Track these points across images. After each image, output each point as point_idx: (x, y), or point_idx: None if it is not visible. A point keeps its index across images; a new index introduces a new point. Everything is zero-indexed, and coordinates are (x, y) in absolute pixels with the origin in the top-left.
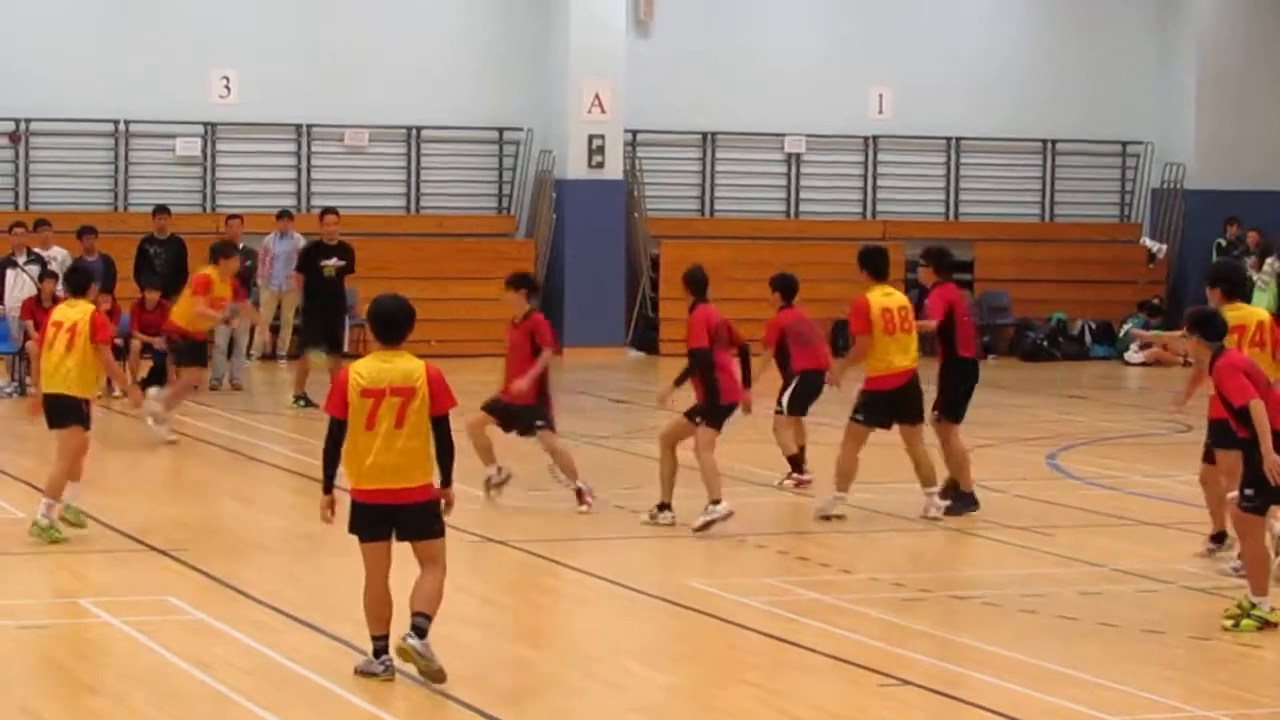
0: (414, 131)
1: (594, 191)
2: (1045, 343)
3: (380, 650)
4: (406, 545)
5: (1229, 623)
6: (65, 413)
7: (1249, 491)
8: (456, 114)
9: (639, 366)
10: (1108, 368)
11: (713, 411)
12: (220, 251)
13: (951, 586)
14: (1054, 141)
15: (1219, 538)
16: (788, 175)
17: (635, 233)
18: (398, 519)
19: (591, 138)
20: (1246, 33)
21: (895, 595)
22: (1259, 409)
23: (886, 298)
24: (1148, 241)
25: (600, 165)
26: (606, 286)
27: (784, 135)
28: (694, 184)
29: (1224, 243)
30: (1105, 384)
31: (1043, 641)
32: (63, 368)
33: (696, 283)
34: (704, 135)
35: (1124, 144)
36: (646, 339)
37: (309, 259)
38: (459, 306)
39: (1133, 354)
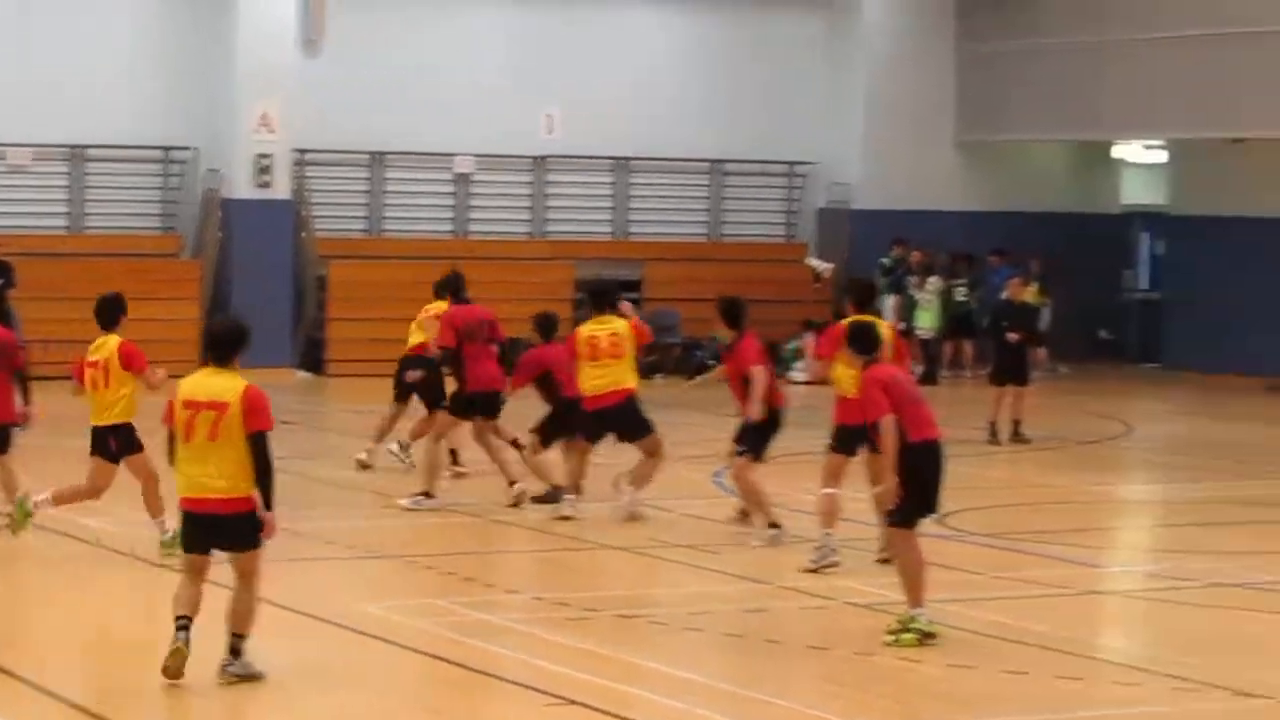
0: (78, 150)
1: (261, 211)
2: (712, 362)
3: (182, 628)
4: None
5: (890, 638)
6: None
7: (891, 507)
8: (121, 133)
9: (306, 387)
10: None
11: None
12: None
13: (618, 606)
14: (721, 161)
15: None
16: (456, 195)
17: (303, 253)
18: (215, 529)
19: (259, 157)
20: (913, 57)
21: (561, 615)
22: (888, 425)
23: (598, 326)
24: (814, 261)
25: (267, 185)
26: (274, 307)
27: (453, 155)
28: (363, 204)
29: (888, 262)
30: None
31: (710, 659)
32: None
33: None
34: (373, 155)
35: (791, 164)
36: (313, 359)
37: None
38: (130, 327)
39: (797, 373)
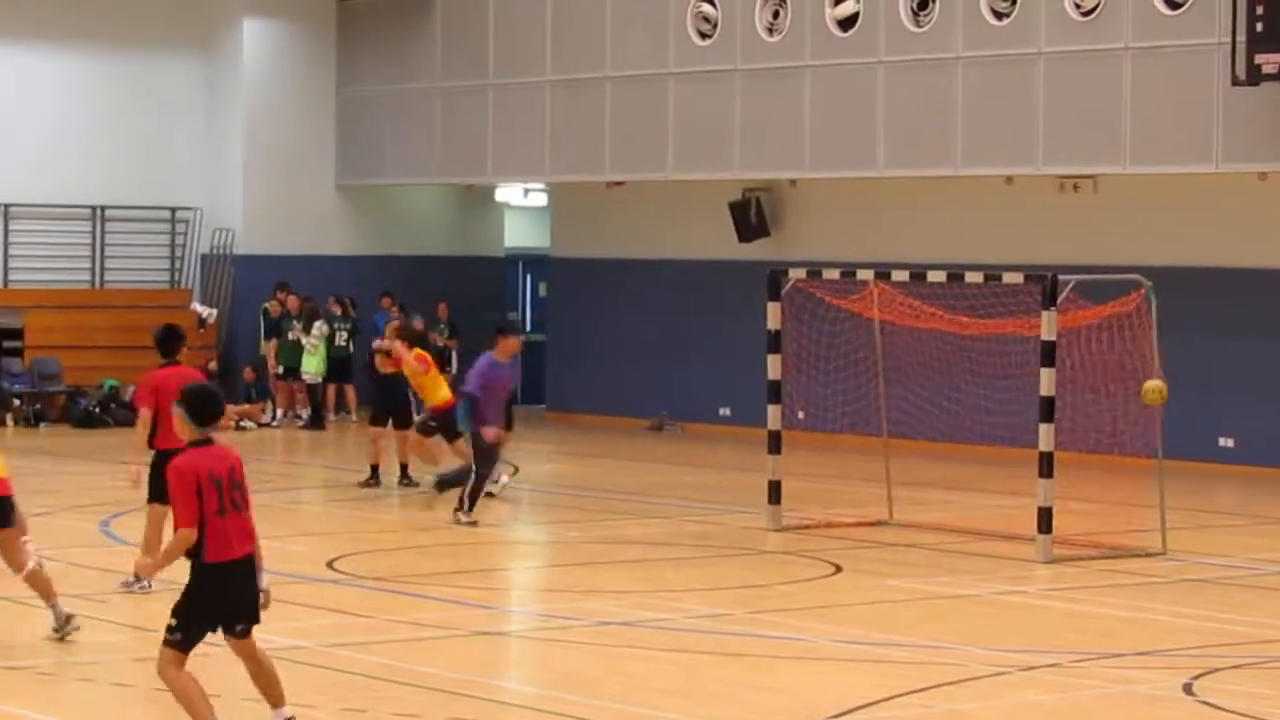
0: None
1: None
2: (98, 409)
3: None
4: None
5: None
6: None
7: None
8: None
9: None
10: None
11: None
12: None
13: (4, 657)
14: (105, 208)
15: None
16: None
17: None
18: None
19: None
20: (293, 101)
21: None
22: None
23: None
24: (198, 306)
25: None
26: None
27: None
28: None
29: (269, 307)
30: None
31: (104, 711)
32: None
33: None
34: None
35: (174, 210)
36: None
37: None
38: None
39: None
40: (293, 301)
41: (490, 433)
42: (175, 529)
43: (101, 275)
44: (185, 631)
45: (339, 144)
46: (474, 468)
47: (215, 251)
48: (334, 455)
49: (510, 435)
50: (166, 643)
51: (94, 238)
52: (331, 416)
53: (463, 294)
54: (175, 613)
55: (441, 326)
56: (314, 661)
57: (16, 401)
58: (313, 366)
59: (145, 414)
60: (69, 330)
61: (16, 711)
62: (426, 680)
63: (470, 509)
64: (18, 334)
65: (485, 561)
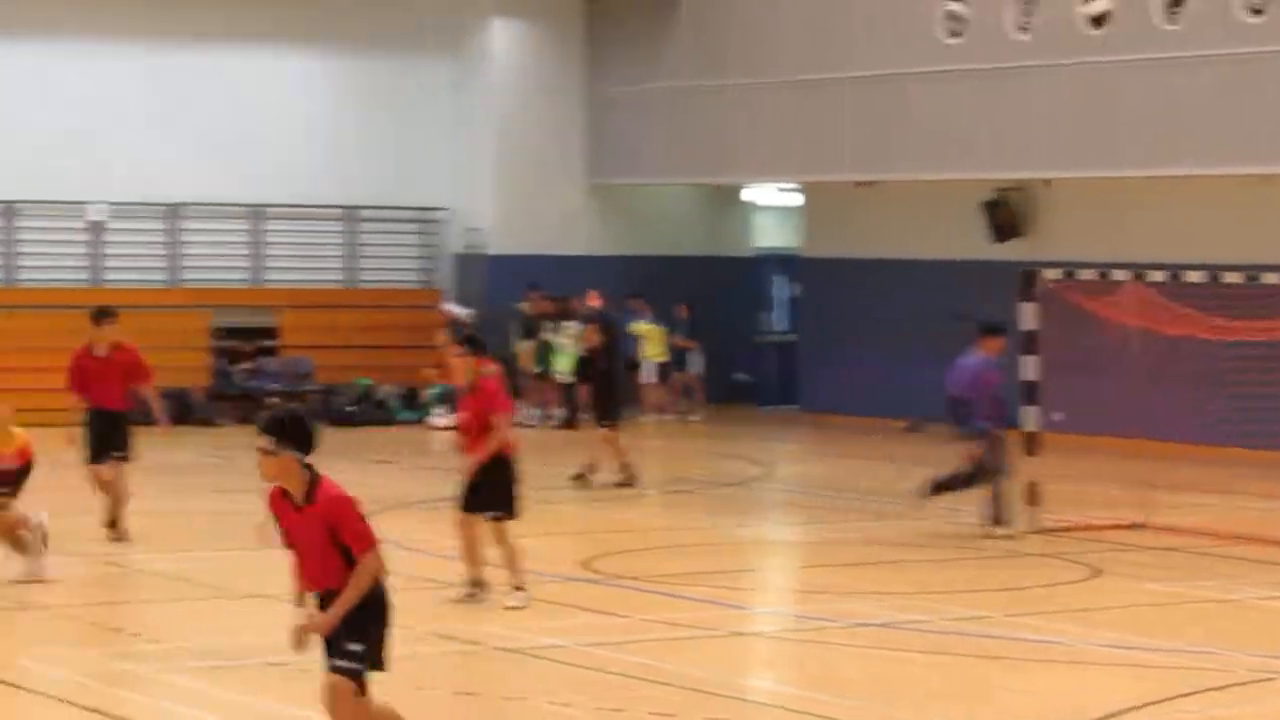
0: None
1: None
2: (352, 408)
3: None
4: None
5: None
6: None
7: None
8: None
9: None
10: (413, 432)
11: None
12: None
13: (266, 653)
14: (355, 208)
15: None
16: (90, 244)
17: None
18: None
19: None
20: (543, 101)
21: (205, 664)
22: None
23: None
24: (453, 306)
25: None
26: None
27: (85, 203)
28: None
29: (523, 307)
30: (412, 448)
31: None
32: None
33: None
34: (3, 204)
35: (425, 210)
36: None
37: None
38: None
39: (436, 418)
40: (544, 303)
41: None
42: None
43: (354, 275)
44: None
45: (588, 143)
46: (986, 470)
47: (467, 251)
48: (588, 455)
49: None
50: (349, 672)
51: (346, 237)
52: (584, 416)
53: (710, 294)
54: (359, 637)
55: (679, 327)
56: (571, 660)
57: (272, 400)
58: (565, 366)
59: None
60: (321, 330)
61: (274, 706)
62: (682, 680)
63: (1002, 520)
64: (272, 333)
65: (740, 562)
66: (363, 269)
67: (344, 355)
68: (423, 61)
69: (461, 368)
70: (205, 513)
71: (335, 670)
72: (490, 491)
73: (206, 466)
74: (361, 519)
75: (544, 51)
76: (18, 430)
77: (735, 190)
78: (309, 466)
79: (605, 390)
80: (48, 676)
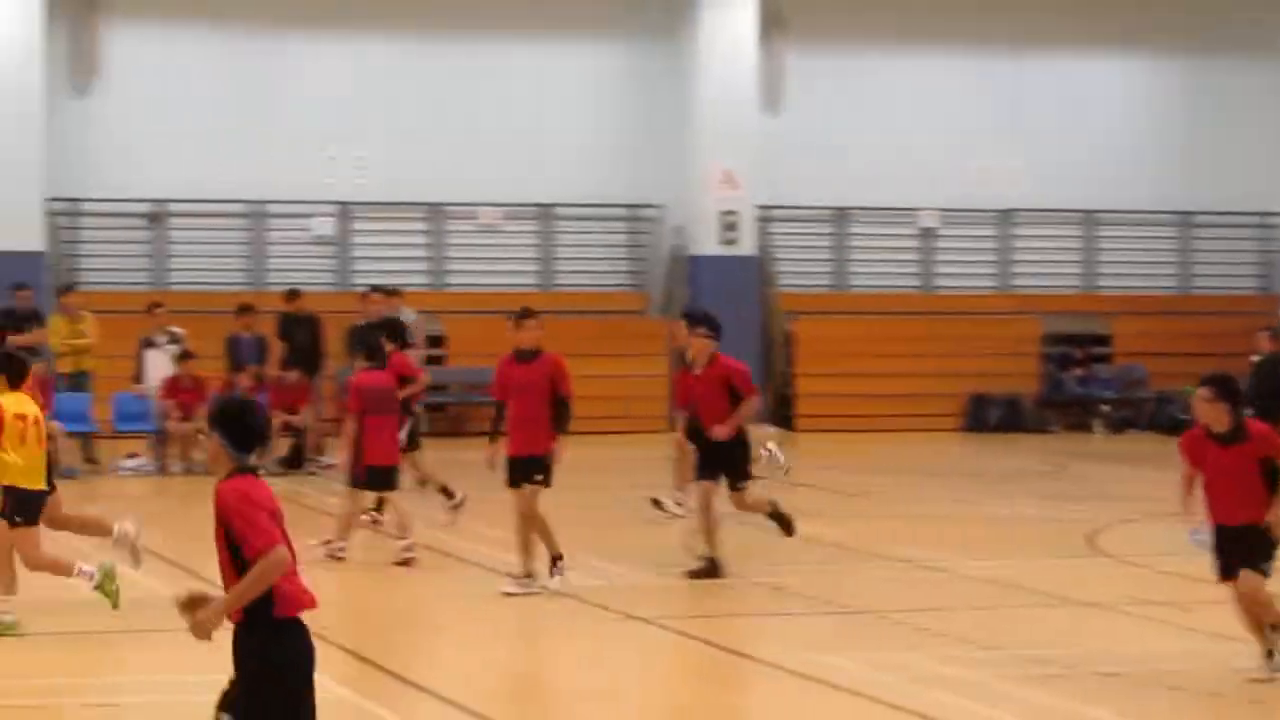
0: (547, 209)
1: (727, 268)
2: (1184, 416)
3: None
4: None
5: None
6: None
7: None
8: (588, 192)
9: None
10: None
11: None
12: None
13: (1095, 662)
14: (1190, 213)
15: None
16: (921, 250)
17: (768, 309)
18: None
19: (724, 214)
20: None
21: (1037, 672)
22: None
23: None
24: None
25: (733, 242)
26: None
27: (917, 210)
28: (827, 260)
29: None
30: None
31: None
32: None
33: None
34: (836, 210)
35: (1261, 214)
36: (783, 416)
37: None
38: (594, 384)
39: None
40: None
41: None
42: None
43: (1188, 280)
44: None
45: None
46: None
47: None
48: None
49: None
50: None
51: (1180, 243)
52: None
53: None
54: None
55: None
56: None
57: (1104, 408)
58: None
59: None
60: (1154, 337)
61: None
62: None
63: None
64: (1105, 340)
65: None
66: (1196, 275)
67: (1176, 363)
68: (1257, 62)
69: None
70: (1031, 520)
71: None
72: None
73: (1033, 474)
74: None
75: None
76: None
77: None
78: None
79: None
80: (866, 678)
